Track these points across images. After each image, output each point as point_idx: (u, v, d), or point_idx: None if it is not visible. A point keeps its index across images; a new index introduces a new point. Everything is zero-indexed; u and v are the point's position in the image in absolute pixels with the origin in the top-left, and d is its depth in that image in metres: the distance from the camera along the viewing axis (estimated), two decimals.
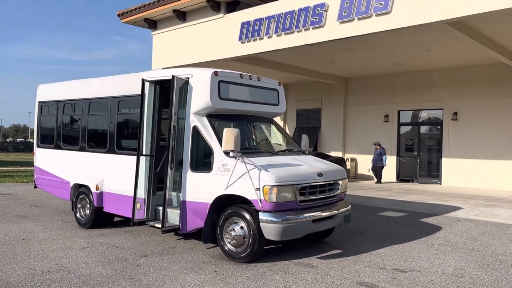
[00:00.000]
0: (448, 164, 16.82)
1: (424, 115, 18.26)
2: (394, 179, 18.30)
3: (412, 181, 17.75)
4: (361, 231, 8.25)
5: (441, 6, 9.45)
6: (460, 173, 16.42)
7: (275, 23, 12.32)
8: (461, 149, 16.45)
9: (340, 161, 17.13)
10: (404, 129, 18.71)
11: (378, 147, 17.12)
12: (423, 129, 18.23)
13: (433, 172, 17.62)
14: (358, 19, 10.62)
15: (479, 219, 9.62)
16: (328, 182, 6.58)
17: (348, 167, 18.70)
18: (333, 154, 19.33)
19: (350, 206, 7.14)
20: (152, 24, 16.18)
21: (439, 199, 12.68)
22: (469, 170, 16.19)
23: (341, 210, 6.78)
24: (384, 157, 17.11)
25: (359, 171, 19.43)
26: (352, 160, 19.34)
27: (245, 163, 5.97)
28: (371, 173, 18.96)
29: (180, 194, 6.79)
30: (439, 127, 17.41)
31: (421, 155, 17.92)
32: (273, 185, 5.78)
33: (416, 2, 9.78)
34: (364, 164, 19.21)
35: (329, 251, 6.74)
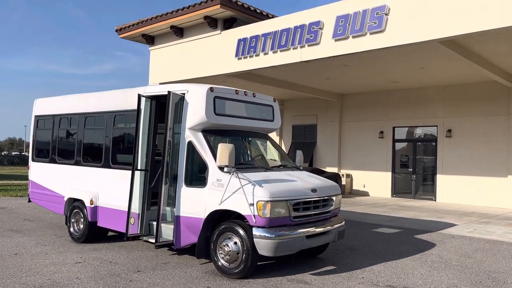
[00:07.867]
0: (443, 181, 16.88)
1: (419, 131, 18.40)
2: (389, 195, 18.33)
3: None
4: (355, 247, 8.25)
5: (434, 25, 9.62)
6: (454, 190, 16.48)
7: (271, 40, 12.48)
8: (455, 166, 16.55)
9: (336, 177, 17.17)
10: (399, 146, 18.81)
11: None
12: (418, 145, 18.35)
13: (428, 189, 17.68)
14: (353, 37, 10.79)
15: (473, 236, 9.65)
16: (322, 198, 6.61)
17: (343, 183, 18.73)
18: (329, 169, 19.38)
19: (344, 222, 7.15)
20: (150, 39, 16.33)
21: (434, 216, 12.70)
22: (464, 187, 16.25)
23: (335, 226, 6.79)
24: None
25: (354, 187, 19.45)
26: (348, 176, 19.38)
27: (239, 178, 6.00)
28: (366, 189, 19.02)
29: (174, 209, 6.79)
30: (433, 143, 17.53)
31: (416, 172, 18.00)
32: (267, 201, 5.80)
33: (409, 22, 9.96)
34: (360, 180, 19.26)
35: (322, 267, 6.73)
